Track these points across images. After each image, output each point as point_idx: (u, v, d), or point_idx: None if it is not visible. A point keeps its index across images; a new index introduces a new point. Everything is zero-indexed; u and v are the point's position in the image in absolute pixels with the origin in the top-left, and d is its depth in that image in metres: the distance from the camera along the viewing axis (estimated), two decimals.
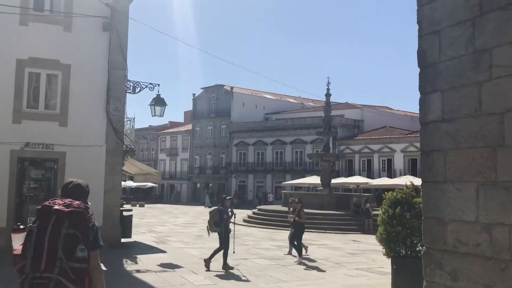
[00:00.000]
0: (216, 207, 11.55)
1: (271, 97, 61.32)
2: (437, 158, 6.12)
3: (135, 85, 14.37)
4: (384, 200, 7.88)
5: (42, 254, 2.89)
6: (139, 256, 12.36)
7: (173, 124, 69.18)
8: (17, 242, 3.20)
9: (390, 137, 44.83)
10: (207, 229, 11.28)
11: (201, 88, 60.50)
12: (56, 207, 3.01)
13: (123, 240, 14.33)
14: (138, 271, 10.18)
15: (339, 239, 19.24)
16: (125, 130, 14.64)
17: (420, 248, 7.51)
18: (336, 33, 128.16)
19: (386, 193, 7.88)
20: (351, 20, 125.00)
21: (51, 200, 3.12)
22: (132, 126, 15.14)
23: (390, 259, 7.72)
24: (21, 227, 3.39)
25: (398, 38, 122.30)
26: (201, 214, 34.96)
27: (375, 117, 51.27)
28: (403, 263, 7.29)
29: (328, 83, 28.40)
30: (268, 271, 10.87)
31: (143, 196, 57.67)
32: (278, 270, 11.09)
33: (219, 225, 11.02)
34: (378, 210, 26.74)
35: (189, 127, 62.57)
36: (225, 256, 11.03)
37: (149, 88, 14.51)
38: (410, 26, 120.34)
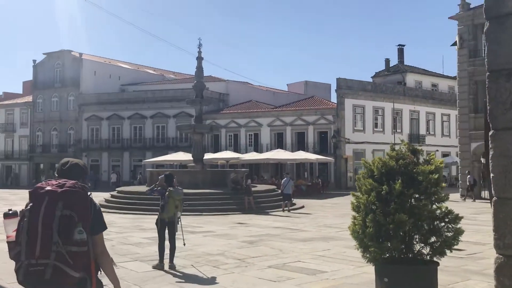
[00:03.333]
0: (180, 188, 8.77)
1: (127, 66, 55.57)
2: None
3: None
4: (362, 171, 4.96)
5: (36, 239, 2.64)
6: None
7: (8, 96, 59.10)
8: (10, 228, 2.83)
9: (257, 111, 43.28)
10: (179, 220, 8.57)
11: (44, 54, 52.18)
12: (48, 187, 2.78)
13: None
14: None
15: (222, 222, 16.28)
16: None
17: (422, 247, 4.72)
18: (204, 6, 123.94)
19: (364, 159, 5.02)
20: None
21: (45, 181, 2.88)
22: None
23: (373, 265, 4.83)
24: (13, 211, 2.88)
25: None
26: None
27: (240, 91, 49.50)
28: (403, 273, 4.44)
29: (200, 45, 24.98)
30: (149, 283, 7.34)
31: None
32: (163, 279, 7.63)
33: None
34: (256, 186, 24.68)
35: (29, 98, 53.74)
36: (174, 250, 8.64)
37: None
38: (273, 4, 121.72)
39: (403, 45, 55.97)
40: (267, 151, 39.46)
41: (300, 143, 39.92)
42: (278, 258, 9.43)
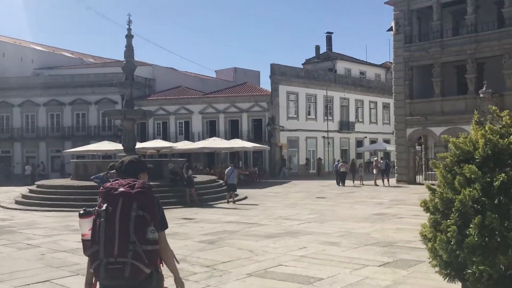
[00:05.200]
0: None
1: (42, 48, 50.68)
2: None
3: None
4: (444, 154, 3.53)
5: (114, 239, 2.82)
6: None
7: None
8: (86, 226, 3.04)
9: (187, 98, 41.15)
10: None
11: None
12: (121, 189, 2.93)
13: None
14: None
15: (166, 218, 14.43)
16: None
17: None
18: None
19: (446, 137, 3.59)
20: None
21: (113, 181, 3.05)
22: None
23: None
24: (87, 211, 3.09)
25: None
26: None
27: (167, 76, 46.99)
28: None
29: (129, 22, 22.45)
30: None
31: None
32: None
33: None
34: (196, 177, 22.90)
35: None
36: None
37: None
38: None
39: (331, 33, 56.25)
40: (199, 139, 37.65)
41: (234, 131, 38.50)
42: (254, 261, 7.95)
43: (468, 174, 3.33)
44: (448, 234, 3.37)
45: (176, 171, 19.73)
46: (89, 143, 37.33)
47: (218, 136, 36.56)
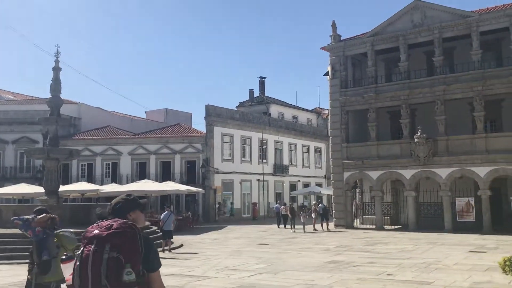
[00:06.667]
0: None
1: None
2: None
3: None
4: None
5: (87, 283, 2.74)
6: None
7: None
8: (67, 272, 3.19)
9: (116, 138, 38.93)
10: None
11: None
12: (96, 231, 2.84)
13: None
14: None
15: None
16: None
17: None
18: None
19: None
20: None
21: (96, 223, 2.96)
22: None
23: None
24: (68, 256, 3.22)
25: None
26: None
27: (94, 115, 44.55)
28: None
29: (57, 53, 20.63)
30: None
31: None
32: None
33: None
34: None
35: None
36: None
37: None
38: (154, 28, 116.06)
39: (264, 77, 56.87)
40: (127, 182, 35.43)
41: (165, 173, 36.66)
42: None
43: None
44: None
45: (105, 216, 17.68)
46: (3, 186, 33.89)
47: (149, 178, 34.57)
